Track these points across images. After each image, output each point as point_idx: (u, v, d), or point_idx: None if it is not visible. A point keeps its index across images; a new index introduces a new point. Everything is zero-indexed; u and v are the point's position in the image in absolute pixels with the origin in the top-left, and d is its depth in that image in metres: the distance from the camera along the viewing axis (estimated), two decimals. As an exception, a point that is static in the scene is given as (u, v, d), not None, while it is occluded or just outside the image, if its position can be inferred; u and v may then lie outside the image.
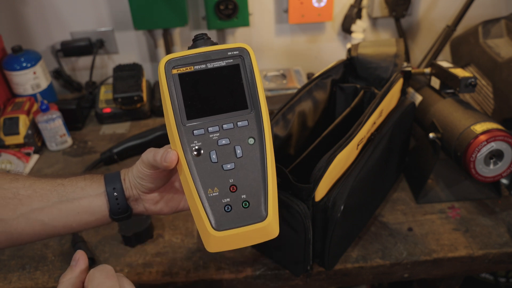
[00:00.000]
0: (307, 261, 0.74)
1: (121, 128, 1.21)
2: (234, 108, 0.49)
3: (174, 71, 0.48)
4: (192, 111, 0.48)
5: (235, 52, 0.49)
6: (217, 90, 0.49)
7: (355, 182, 0.72)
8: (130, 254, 0.82)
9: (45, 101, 1.10)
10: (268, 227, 0.47)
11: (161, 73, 0.48)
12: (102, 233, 0.87)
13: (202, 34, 0.51)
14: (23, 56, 1.18)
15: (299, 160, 0.72)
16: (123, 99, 1.18)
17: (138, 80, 1.21)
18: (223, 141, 0.48)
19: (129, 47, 1.33)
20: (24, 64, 1.18)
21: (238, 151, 0.48)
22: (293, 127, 0.80)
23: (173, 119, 0.47)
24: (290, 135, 0.80)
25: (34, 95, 1.20)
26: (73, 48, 1.28)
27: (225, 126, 0.48)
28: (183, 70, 0.48)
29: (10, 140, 1.10)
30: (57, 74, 1.32)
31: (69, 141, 1.14)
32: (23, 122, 1.10)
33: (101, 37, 1.29)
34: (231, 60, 0.49)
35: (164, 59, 0.48)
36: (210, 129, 0.48)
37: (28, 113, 1.13)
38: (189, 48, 0.50)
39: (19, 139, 1.10)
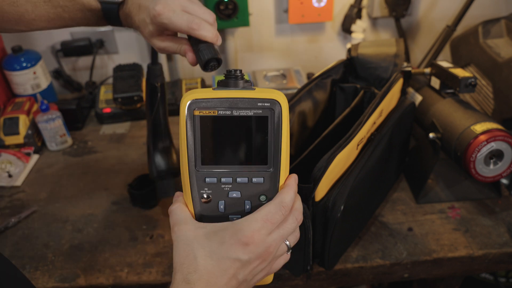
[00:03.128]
0: (307, 261, 0.74)
1: (121, 128, 1.21)
2: (252, 161, 0.46)
3: (196, 112, 0.45)
4: (207, 157, 0.46)
5: (266, 104, 0.45)
6: (238, 140, 0.46)
7: (355, 182, 0.72)
8: (130, 254, 0.82)
9: (45, 101, 1.10)
10: (267, 276, 0.49)
11: (182, 112, 0.45)
12: (102, 233, 0.87)
13: (235, 70, 0.47)
14: (23, 56, 1.18)
15: (299, 160, 0.72)
16: (123, 99, 1.18)
17: (138, 80, 1.21)
18: (234, 194, 0.47)
19: (129, 47, 1.33)
20: (24, 64, 1.18)
21: (247, 206, 0.47)
22: (293, 127, 0.80)
23: (187, 161, 0.46)
24: (290, 135, 0.80)
25: (34, 95, 1.20)
26: (73, 48, 1.28)
27: (239, 179, 0.46)
28: (206, 112, 0.45)
29: (10, 140, 1.10)
30: (57, 74, 1.32)
31: (69, 141, 1.14)
32: (23, 122, 1.10)
33: (101, 37, 1.29)
34: (260, 111, 0.45)
35: (188, 98, 0.45)
36: (223, 179, 0.46)
37: (28, 113, 1.13)
38: (218, 85, 0.47)
39: (19, 139, 1.10)
